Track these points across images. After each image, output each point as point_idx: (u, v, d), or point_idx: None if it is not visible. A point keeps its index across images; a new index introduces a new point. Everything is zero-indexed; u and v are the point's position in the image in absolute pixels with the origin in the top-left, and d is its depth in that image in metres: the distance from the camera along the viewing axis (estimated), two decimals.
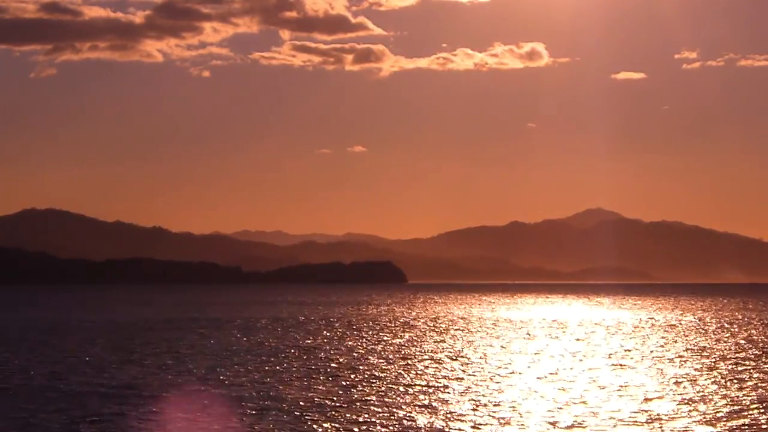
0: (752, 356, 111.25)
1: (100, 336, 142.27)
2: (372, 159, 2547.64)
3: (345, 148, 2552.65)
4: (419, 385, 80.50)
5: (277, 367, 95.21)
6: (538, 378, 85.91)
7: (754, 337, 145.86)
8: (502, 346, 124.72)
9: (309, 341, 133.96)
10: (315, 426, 60.01)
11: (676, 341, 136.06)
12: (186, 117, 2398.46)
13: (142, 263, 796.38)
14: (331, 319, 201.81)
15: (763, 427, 60.60)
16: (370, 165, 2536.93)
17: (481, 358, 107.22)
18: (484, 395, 73.83)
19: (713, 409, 67.01)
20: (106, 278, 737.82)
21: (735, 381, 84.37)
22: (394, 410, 65.96)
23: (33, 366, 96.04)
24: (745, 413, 65.64)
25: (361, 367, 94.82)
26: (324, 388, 77.76)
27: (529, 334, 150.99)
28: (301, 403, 69.37)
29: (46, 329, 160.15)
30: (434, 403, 69.58)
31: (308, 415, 63.75)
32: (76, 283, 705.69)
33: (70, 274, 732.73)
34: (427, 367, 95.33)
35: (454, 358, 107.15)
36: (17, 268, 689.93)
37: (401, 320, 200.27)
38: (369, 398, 71.96)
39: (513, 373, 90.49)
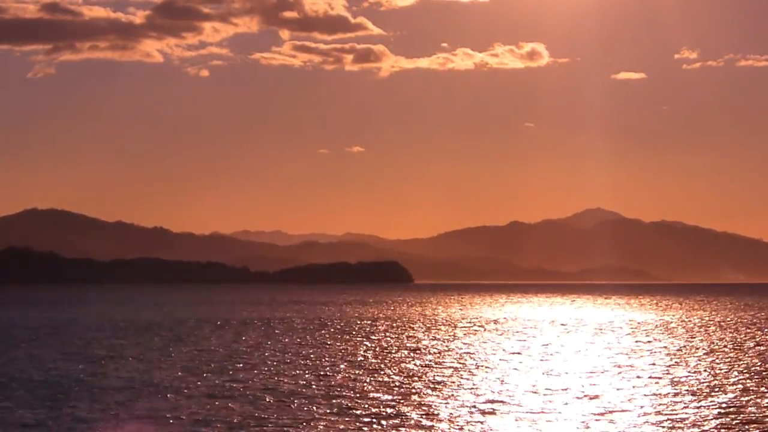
0: None
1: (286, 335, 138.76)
2: (371, 159, 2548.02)
3: (344, 148, 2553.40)
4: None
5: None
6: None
7: None
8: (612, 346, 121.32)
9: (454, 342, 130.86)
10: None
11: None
12: (186, 117, 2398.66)
13: (150, 263, 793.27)
14: (435, 319, 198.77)
15: None
16: (369, 165, 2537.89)
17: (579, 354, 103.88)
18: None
19: None
20: (114, 278, 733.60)
21: None
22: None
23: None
24: None
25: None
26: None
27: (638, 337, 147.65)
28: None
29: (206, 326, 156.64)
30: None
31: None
32: (84, 282, 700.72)
33: (77, 274, 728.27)
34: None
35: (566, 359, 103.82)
36: (27, 267, 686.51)
37: (479, 320, 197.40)
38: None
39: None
